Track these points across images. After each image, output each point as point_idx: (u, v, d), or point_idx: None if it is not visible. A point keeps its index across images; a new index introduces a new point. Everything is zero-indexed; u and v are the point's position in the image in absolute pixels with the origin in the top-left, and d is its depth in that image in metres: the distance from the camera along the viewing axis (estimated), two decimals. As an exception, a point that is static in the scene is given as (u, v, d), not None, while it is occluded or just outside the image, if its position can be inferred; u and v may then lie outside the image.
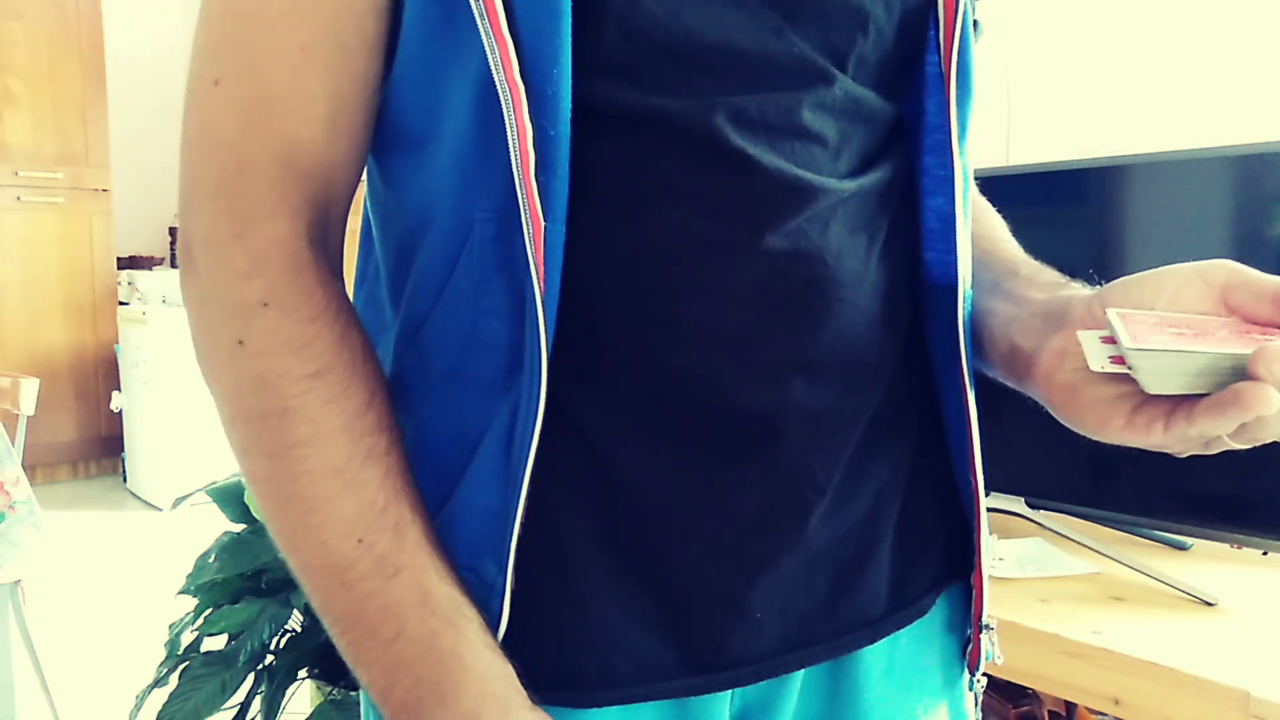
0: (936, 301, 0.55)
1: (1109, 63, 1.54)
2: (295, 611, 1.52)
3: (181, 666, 1.49)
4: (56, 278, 4.38)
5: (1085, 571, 1.17)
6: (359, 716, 0.58)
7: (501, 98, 0.44)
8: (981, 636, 0.60)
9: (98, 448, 4.52)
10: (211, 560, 1.58)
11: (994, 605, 1.04)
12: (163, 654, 1.59)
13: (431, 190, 0.50)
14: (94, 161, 4.43)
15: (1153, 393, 0.46)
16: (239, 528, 1.63)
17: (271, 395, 0.45)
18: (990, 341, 0.56)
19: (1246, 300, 0.45)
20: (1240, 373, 0.43)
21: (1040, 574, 1.15)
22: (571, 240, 0.46)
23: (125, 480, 4.39)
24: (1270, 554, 1.19)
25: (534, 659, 0.49)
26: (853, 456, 0.53)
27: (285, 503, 0.46)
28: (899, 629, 0.56)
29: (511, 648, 0.48)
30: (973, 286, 0.57)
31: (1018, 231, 0.65)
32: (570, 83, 0.44)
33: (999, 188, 0.71)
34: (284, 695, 1.52)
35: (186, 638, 1.58)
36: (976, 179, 0.67)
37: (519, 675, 0.48)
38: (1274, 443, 0.46)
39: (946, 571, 0.59)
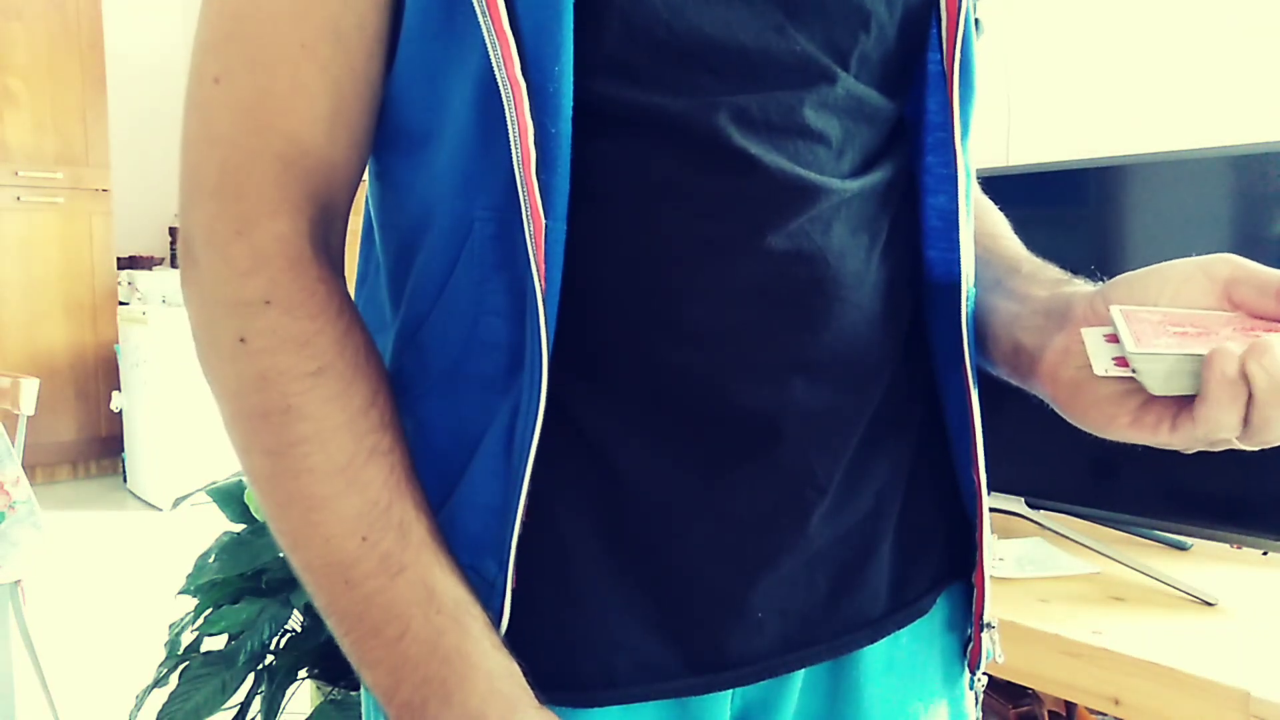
0: (939, 300, 0.55)
1: (1109, 63, 1.54)
2: (295, 611, 1.52)
3: (181, 666, 1.49)
4: (56, 278, 4.37)
5: (1085, 571, 1.17)
6: (359, 716, 0.58)
7: (503, 95, 0.44)
8: (982, 635, 0.60)
9: (98, 448, 4.52)
10: (211, 560, 1.58)
11: (995, 605, 1.04)
12: (163, 654, 1.59)
13: (432, 189, 0.50)
14: (94, 161, 4.43)
15: (1157, 394, 0.46)
16: (239, 528, 1.63)
17: (273, 393, 0.45)
18: (994, 340, 0.56)
19: (1250, 295, 0.45)
20: None
21: (1040, 574, 1.15)
22: (572, 239, 0.46)
23: (125, 480, 4.39)
24: (1270, 554, 1.19)
25: (534, 658, 0.49)
26: (854, 456, 0.53)
27: (287, 501, 0.46)
28: (899, 628, 0.56)
29: (512, 647, 0.48)
30: (975, 284, 0.57)
31: (1018, 231, 0.65)
32: (572, 80, 0.44)
33: (999, 188, 0.71)
34: (284, 695, 1.52)
35: (186, 638, 1.58)
36: (977, 179, 0.67)
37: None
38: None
39: (947, 571, 0.59)
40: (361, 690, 0.58)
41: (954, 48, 0.52)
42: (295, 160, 0.47)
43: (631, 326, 0.48)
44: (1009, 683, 1.15)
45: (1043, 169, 1.26)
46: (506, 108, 0.44)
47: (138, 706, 1.53)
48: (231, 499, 1.67)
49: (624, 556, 0.49)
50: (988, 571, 0.59)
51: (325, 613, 0.47)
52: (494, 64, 0.44)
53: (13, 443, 1.93)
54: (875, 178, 0.52)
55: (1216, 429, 0.44)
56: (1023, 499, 1.27)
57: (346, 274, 0.51)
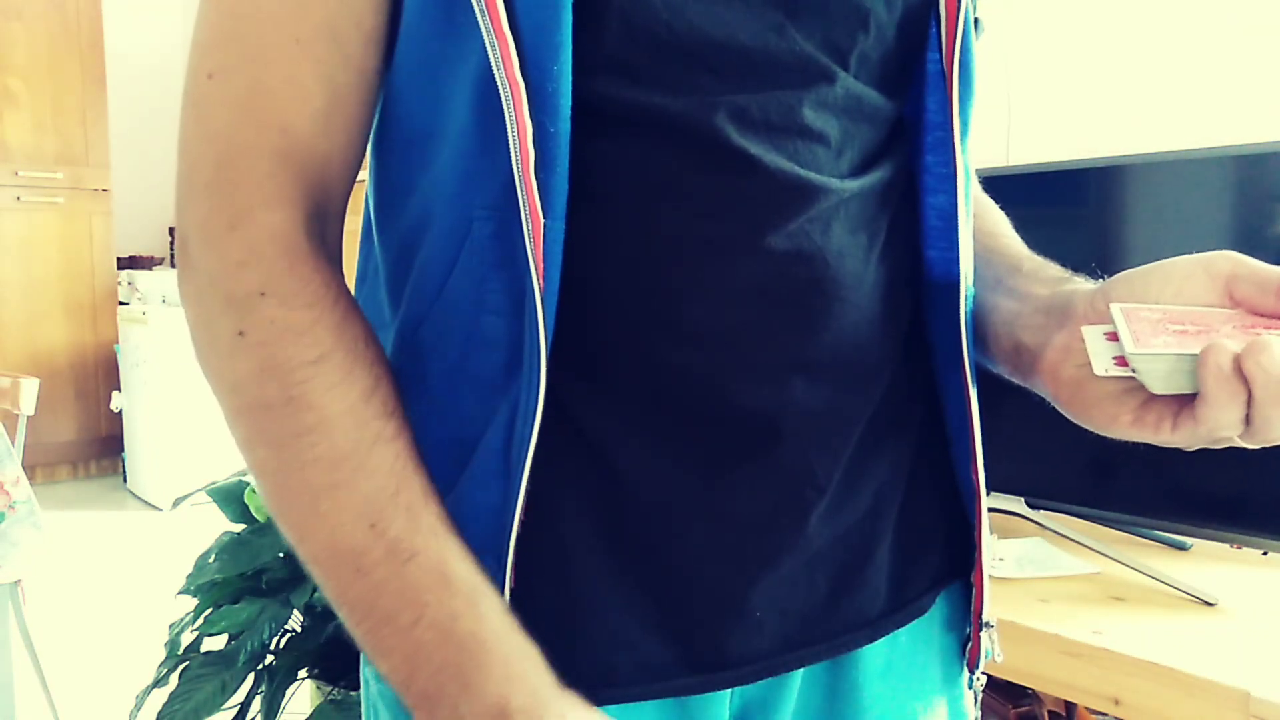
0: (938, 299, 0.55)
1: (1109, 63, 1.54)
2: (295, 611, 1.52)
3: (181, 666, 1.49)
4: (56, 278, 4.38)
5: (1085, 571, 1.17)
6: (359, 716, 0.58)
7: (502, 95, 0.44)
8: (981, 635, 0.60)
9: (98, 448, 4.52)
10: (211, 560, 1.58)
11: (994, 605, 1.04)
12: (163, 654, 1.59)
13: (431, 188, 0.50)
14: (94, 161, 4.43)
15: (1158, 393, 0.46)
16: (239, 528, 1.63)
17: (274, 384, 0.45)
18: (994, 338, 0.56)
19: (1251, 292, 0.45)
20: None
21: (1040, 574, 1.15)
22: (571, 238, 0.46)
23: (125, 480, 4.39)
24: (1270, 554, 1.19)
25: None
26: (853, 456, 0.53)
27: (294, 493, 0.46)
28: (899, 628, 0.56)
29: None
30: (975, 283, 0.57)
31: (1019, 231, 0.65)
32: (570, 80, 0.44)
33: (999, 188, 0.71)
34: (284, 695, 1.52)
35: (186, 638, 1.58)
36: (977, 178, 0.67)
37: None
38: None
39: (946, 570, 0.59)
40: (362, 690, 0.58)
41: (953, 47, 0.52)
42: (289, 154, 0.46)
43: (631, 326, 0.48)
44: (1009, 683, 1.15)
45: (1043, 169, 1.26)
46: (505, 108, 0.44)
47: (138, 706, 1.53)
48: (231, 499, 1.67)
49: (623, 556, 0.49)
50: (986, 571, 0.59)
51: (336, 603, 0.46)
52: (493, 64, 0.44)
53: (13, 443, 1.93)
54: (874, 177, 0.52)
55: (1217, 428, 0.43)
56: (1023, 499, 1.27)
57: (346, 273, 0.51)
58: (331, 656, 1.55)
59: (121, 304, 4.45)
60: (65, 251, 4.39)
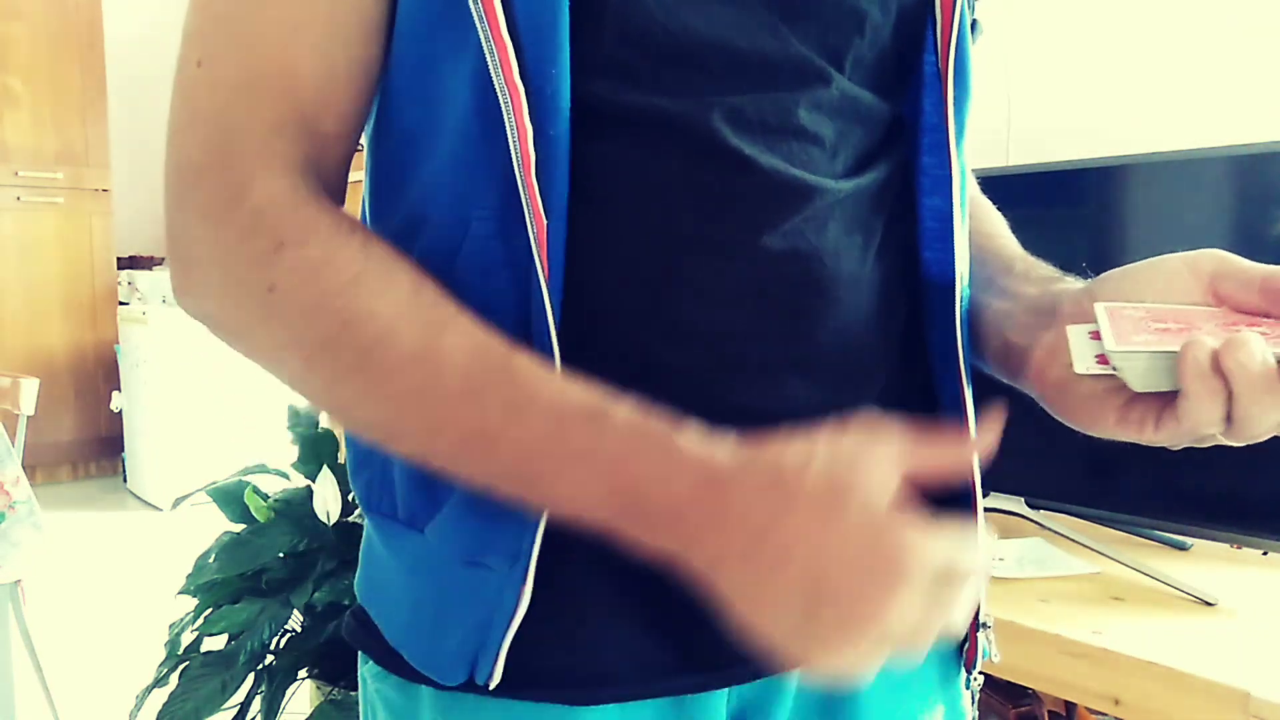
0: (934, 300, 0.55)
1: (1109, 63, 1.54)
2: (295, 611, 1.52)
3: (181, 666, 1.49)
4: (56, 278, 4.38)
5: (1085, 571, 1.17)
6: (359, 716, 0.58)
7: (501, 100, 0.44)
8: (978, 635, 0.60)
9: (98, 448, 4.52)
10: (211, 560, 1.58)
11: (994, 605, 1.04)
12: (163, 654, 1.59)
13: (426, 187, 0.50)
14: (94, 161, 4.44)
15: (1139, 390, 0.46)
16: (239, 528, 1.63)
17: (323, 318, 0.44)
18: (985, 337, 0.56)
19: (1234, 290, 0.45)
20: None
21: (1040, 574, 1.15)
22: (570, 239, 0.46)
23: (125, 480, 4.39)
24: (1270, 554, 1.19)
25: (531, 657, 0.49)
26: (850, 455, 0.52)
27: (398, 407, 0.44)
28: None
29: (513, 645, 0.48)
30: (969, 284, 0.57)
31: (1017, 231, 0.65)
32: (569, 82, 0.45)
33: (999, 188, 0.71)
34: (284, 695, 1.52)
35: (186, 638, 1.58)
36: (977, 179, 0.67)
37: (518, 672, 0.48)
38: (1273, 443, 0.46)
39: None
40: (360, 690, 0.58)
41: (948, 49, 0.52)
42: (284, 130, 0.46)
43: (628, 325, 0.48)
44: (1009, 683, 1.15)
45: (1043, 169, 1.26)
46: (505, 112, 0.44)
47: (138, 706, 1.53)
48: (231, 499, 1.67)
49: (621, 555, 0.49)
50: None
51: (491, 486, 0.45)
52: (491, 70, 0.44)
53: (13, 443, 1.93)
54: (869, 178, 0.52)
55: (1199, 425, 0.44)
56: (1023, 499, 1.27)
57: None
58: (331, 656, 1.55)
59: (121, 304, 4.45)
60: (65, 251, 4.40)
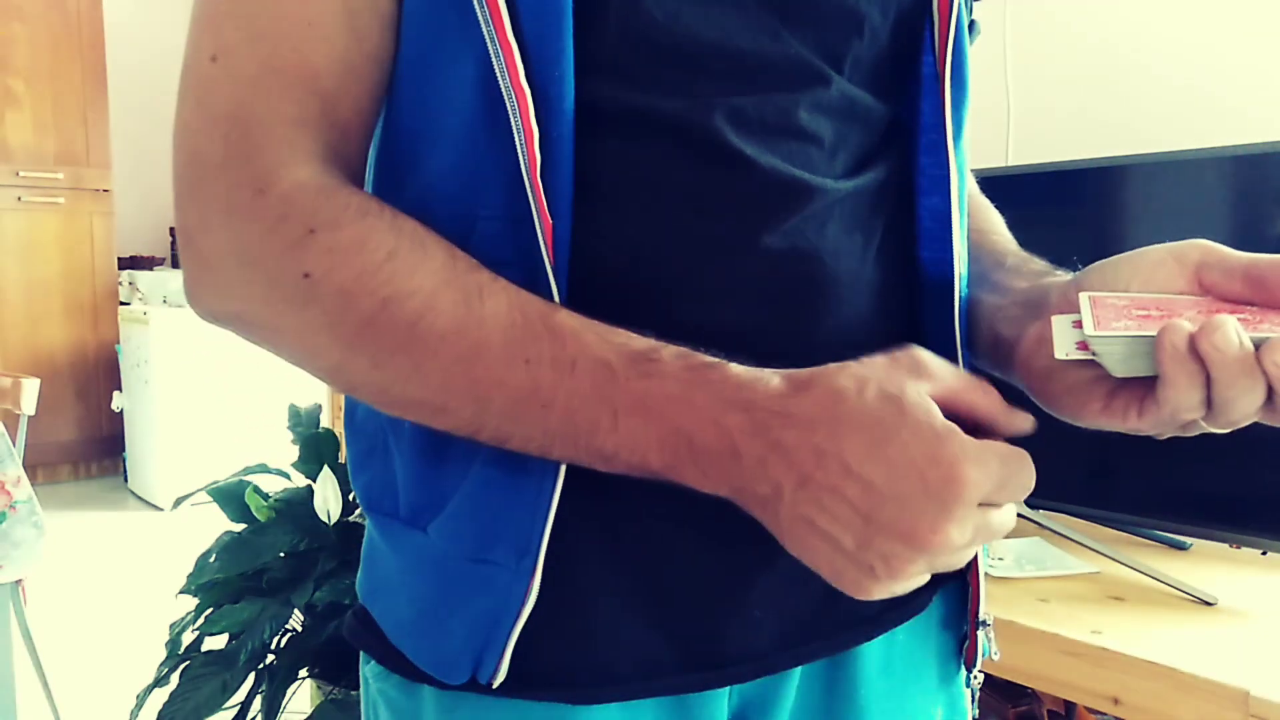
0: (932, 300, 0.56)
1: (1109, 63, 1.54)
2: (296, 611, 1.52)
3: (182, 666, 1.49)
4: (57, 278, 4.38)
5: (1085, 571, 1.17)
6: (359, 716, 0.58)
7: (507, 101, 0.44)
8: (978, 633, 0.60)
9: (98, 448, 4.53)
10: (212, 560, 1.59)
11: (994, 605, 1.04)
12: (163, 654, 1.60)
13: (427, 186, 0.50)
14: (95, 162, 4.44)
15: (1119, 376, 0.46)
16: (240, 527, 1.63)
17: (362, 298, 0.44)
18: (976, 331, 0.56)
19: (1219, 278, 0.45)
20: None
21: (1040, 573, 1.15)
22: (573, 238, 0.46)
23: (126, 480, 4.39)
24: (1270, 554, 1.19)
25: (532, 656, 0.49)
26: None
27: (445, 380, 0.44)
28: (896, 626, 0.56)
29: (515, 644, 0.48)
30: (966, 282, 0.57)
31: (1017, 231, 0.65)
32: (573, 83, 0.45)
33: (999, 188, 0.71)
34: (284, 695, 1.52)
35: (187, 637, 1.59)
36: (977, 179, 0.67)
37: (521, 671, 0.48)
38: (1272, 443, 0.46)
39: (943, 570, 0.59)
40: (361, 690, 0.58)
41: (946, 50, 0.52)
42: (304, 120, 0.46)
43: (631, 324, 0.48)
44: (1008, 682, 1.16)
45: (1043, 169, 1.26)
46: (511, 114, 0.44)
47: (138, 706, 1.53)
48: (232, 499, 1.67)
49: (623, 555, 0.49)
50: (982, 571, 0.59)
51: (544, 449, 0.45)
52: (498, 71, 0.44)
53: (13, 443, 1.93)
54: (868, 178, 0.52)
55: (1178, 410, 0.44)
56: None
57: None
58: (332, 656, 1.56)
59: (122, 304, 4.46)
60: (66, 251, 4.40)
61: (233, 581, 1.56)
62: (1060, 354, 0.46)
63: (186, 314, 3.96)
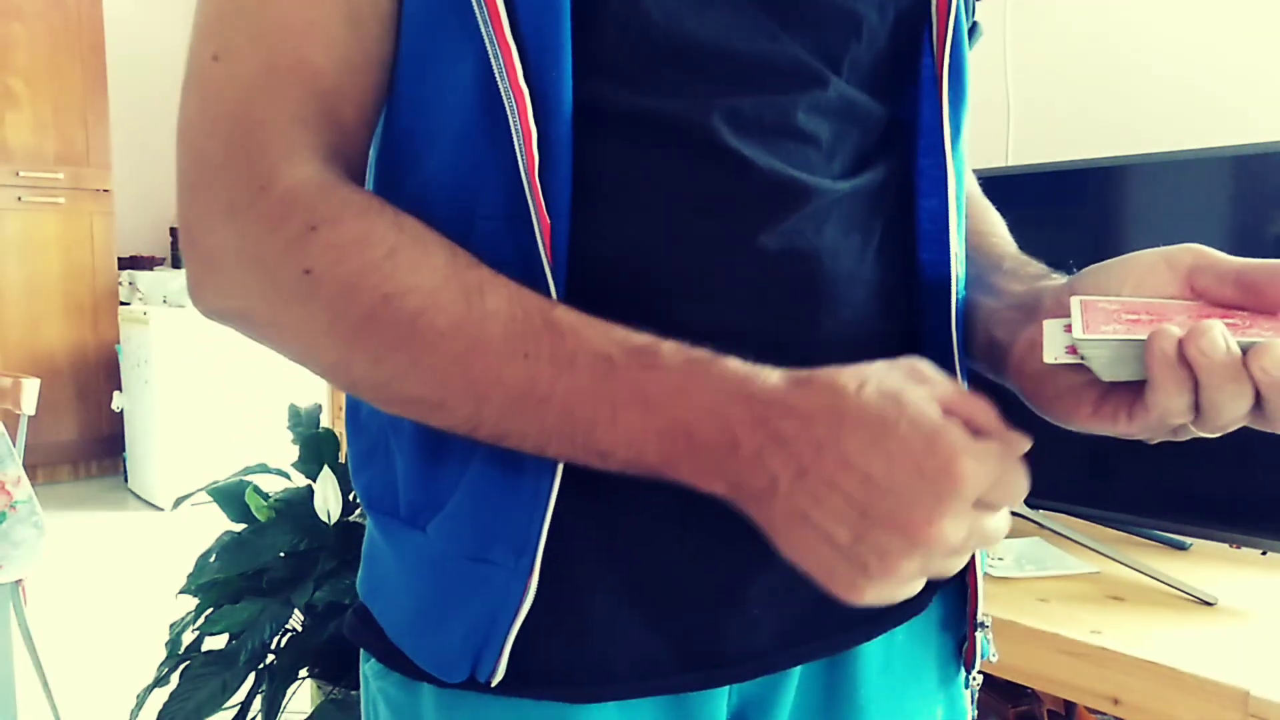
0: (931, 302, 0.56)
1: (1109, 62, 1.54)
2: (296, 611, 1.52)
3: (182, 666, 1.49)
4: (57, 278, 4.38)
5: (1085, 571, 1.17)
6: (360, 716, 0.58)
7: (505, 102, 0.44)
8: (977, 635, 0.60)
9: (99, 448, 4.53)
10: (212, 560, 1.59)
11: (993, 605, 1.04)
12: (163, 654, 1.60)
13: (425, 186, 0.50)
14: (95, 162, 4.44)
15: (1107, 380, 0.46)
16: (240, 527, 1.63)
17: (363, 294, 0.44)
18: (972, 334, 0.56)
19: (1210, 283, 0.45)
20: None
21: (1040, 573, 1.15)
22: (571, 238, 0.46)
23: (126, 480, 4.39)
24: (1270, 554, 1.19)
25: (531, 654, 0.49)
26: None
27: (443, 377, 0.44)
28: (896, 626, 0.56)
29: (512, 643, 0.48)
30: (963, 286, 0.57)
31: (1017, 231, 0.65)
32: (570, 84, 0.45)
33: (999, 188, 0.71)
34: (285, 695, 1.52)
35: (187, 637, 1.59)
36: (977, 179, 0.67)
37: (520, 669, 0.48)
38: (1272, 443, 0.46)
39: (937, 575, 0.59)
40: (361, 688, 0.58)
41: (944, 52, 0.52)
42: (305, 119, 0.46)
43: (626, 324, 0.48)
44: (1008, 682, 1.16)
45: (1043, 169, 1.26)
46: (510, 114, 0.44)
47: (139, 706, 1.53)
48: (232, 499, 1.67)
49: (621, 554, 0.49)
50: (981, 571, 0.59)
51: (541, 447, 0.45)
52: (496, 72, 0.44)
53: (14, 443, 1.93)
54: (867, 179, 0.52)
55: (1167, 415, 0.44)
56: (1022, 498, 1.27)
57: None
58: (332, 656, 1.56)
59: (122, 304, 4.46)
60: (66, 251, 4.40)
61: (233, 581, 1.56)
62: (1049, 358, 0.47)
63: (186, 314, 3.96)
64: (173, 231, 4.99)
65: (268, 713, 1.48)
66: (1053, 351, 0.47)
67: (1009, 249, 0.61)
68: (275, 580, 1.54)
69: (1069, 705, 1.26)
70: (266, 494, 1.67)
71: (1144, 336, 0.43)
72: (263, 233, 0.45)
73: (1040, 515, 1.26)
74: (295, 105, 0.46)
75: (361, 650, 0.57)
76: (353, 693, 1.51)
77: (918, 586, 0.41)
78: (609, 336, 0.44)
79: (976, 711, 0.64)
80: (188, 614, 1.60)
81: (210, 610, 1.55)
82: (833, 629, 0.54)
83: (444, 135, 0.48)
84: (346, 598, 1.50)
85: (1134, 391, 0.46)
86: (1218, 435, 0.46)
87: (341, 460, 1.69)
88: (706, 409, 0.42)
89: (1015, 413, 0.55)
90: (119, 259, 4.62)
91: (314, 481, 1.63)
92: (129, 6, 4.88)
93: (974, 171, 0.68)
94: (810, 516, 0.40)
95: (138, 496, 4.23)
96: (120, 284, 4.54)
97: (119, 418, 4.39)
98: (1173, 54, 1.47)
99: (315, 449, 1.71)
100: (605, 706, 0.50)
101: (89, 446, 4.51)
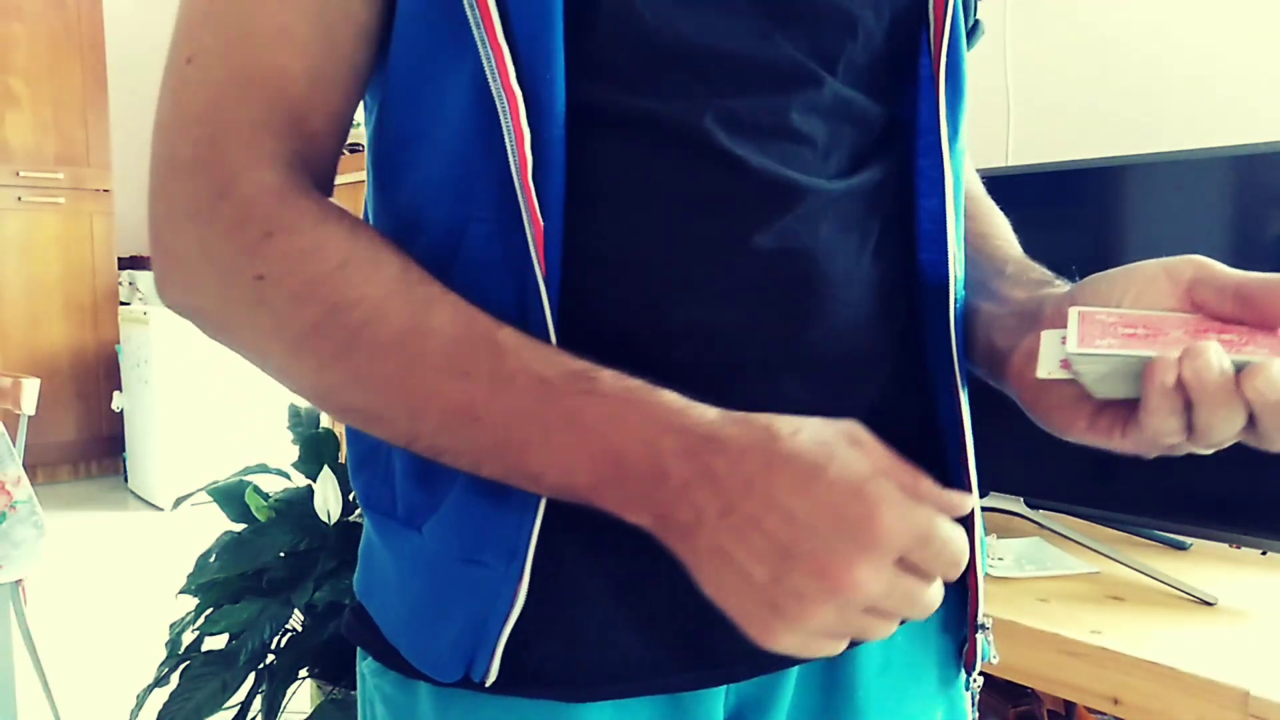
0: (930, 301, 0.56)
1: (1109, 62, 1.54)
2: (296, 611, 1.52)
3: (182, 666, 1.49)
4: (57, 278, 4.38)
5: (1084, 571, 1.17)
6: (359, 716, 0.58)
7: (498, 104, 0.44)
8: (978, 637, 0.60)
9: (99, 447, 4.53)
10: (212, 560, 1.59)
11: (994, 605, 1.04)
12: (163, 653, 1.60)
13: (421, 190, 0.50)
14: (95, 162, 4.44)
15: (1098, 396, 0.46)
16: (240, 527, 1.63)
17: (311, 303, 0.44)
18: (973, 340, 0.56)
19: (1210, 296, 0.45)
20: None
21: (1040, 573, 1.15)
22: (566, 240, 0.46)
23: (126, 480, 4.39)
24: (1270, 554, 1.19)
25: (527, 654, 0.49)
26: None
27: (383, 389, 0.45)
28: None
29: (510, 643, 0.48)
30: (964, 285, 0.57)
31: (1017, 231, 0.65)
32: (564, 86, 0.45)
33: (999, 188, 0.71)
34: (284, 695, 1.52)
35: (187, 637, 1.58)
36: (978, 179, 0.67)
37: (515, 669, 0.48)
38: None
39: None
40: (359, 686, 0.58)
41: (940, 52, 0.52)
42: (272, 128, 0.46)
43: (624, 326, 0.48)
44: (1008, 682, 1.16)
45: (1043, 169, 1.26)
46: (503, 116, 0.44)
47: (138, 706, 1.53)
48: (232, 499, 1.67)
49: (617, 553, 0.49)
50: (981, 573, 0.59)
51: (475, 465, 0.45)
52: (489, 74, 0.44)
53: (14, 442, 1.93)
54: (864, 179, 0.52)
55: (1158, 435, 0.44)
56: (1022, 499, 1.27)
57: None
58: (332, 656, 1.56)
59: (122, 304, 4.46)
60: (66, 251, 4.40)
61: (233, 581, 1.56)
62: (1043, 373, 0.46)
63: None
64: (173, 231, 4.99)
65: (268, 713, 1.48)
66: (1046, 366, 0.46)
67: (1012, 252, 0.61)
68: (275, 580, 1.54)
69: (1069, 705, 1.26)
70: (266, 494, 1.67)
71: (1135, 353, 0.43)
72: (221, 236, 0.45)
73: (1040, 515, 1.26)
74: (262, 112, 0.46)
75: (359, 649, 0.57)
76: (353, 693, 1.51)
77: (838, 647, 0.40)
78: (549, 360, 0.44)
79: (977, 713, 0.64)
80: (188, 614, 1.60)
81: (210, 610, 1.55)
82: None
83: (439, 138, 0.48)
84: (346, 598, 1.50)
85: (1128, 407, 0.46)
86: (1210, 452, 0.46)
87: (341, 460, 1.69)
88: (639, 437, 0.42)
89: (1015, 416, 0.55)
90: (119, 259, 4.62)
91: (314, 481, 1.63)
92: (129, 6, 4.88)
93: (974, 171, 0.68)
94: (732, 554, 0.40)
95: (138, 496, 4.24)
96: (120, 284, 4.54)
97: (119, 418, 4.39)
98: (1173, 53, 1.47)
99: (315, 449, 1.71)
100: (601, 706, 0.50)
101: (89, 446, 4.51)
